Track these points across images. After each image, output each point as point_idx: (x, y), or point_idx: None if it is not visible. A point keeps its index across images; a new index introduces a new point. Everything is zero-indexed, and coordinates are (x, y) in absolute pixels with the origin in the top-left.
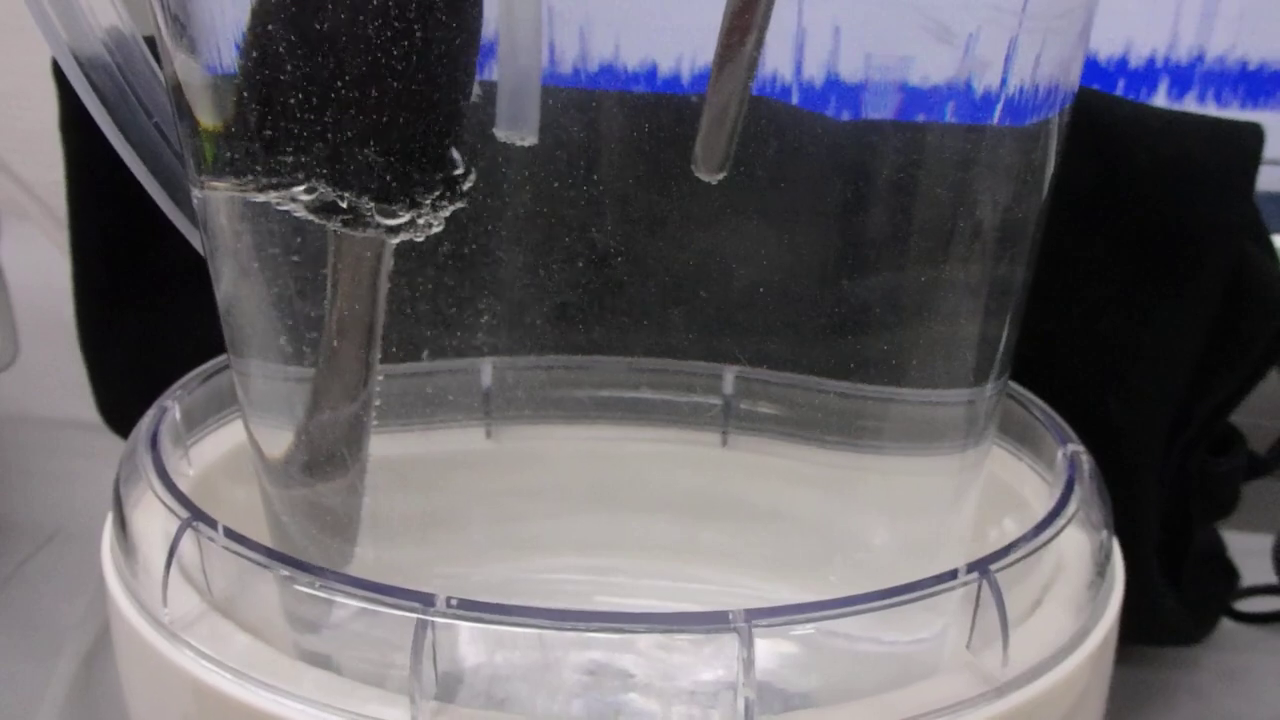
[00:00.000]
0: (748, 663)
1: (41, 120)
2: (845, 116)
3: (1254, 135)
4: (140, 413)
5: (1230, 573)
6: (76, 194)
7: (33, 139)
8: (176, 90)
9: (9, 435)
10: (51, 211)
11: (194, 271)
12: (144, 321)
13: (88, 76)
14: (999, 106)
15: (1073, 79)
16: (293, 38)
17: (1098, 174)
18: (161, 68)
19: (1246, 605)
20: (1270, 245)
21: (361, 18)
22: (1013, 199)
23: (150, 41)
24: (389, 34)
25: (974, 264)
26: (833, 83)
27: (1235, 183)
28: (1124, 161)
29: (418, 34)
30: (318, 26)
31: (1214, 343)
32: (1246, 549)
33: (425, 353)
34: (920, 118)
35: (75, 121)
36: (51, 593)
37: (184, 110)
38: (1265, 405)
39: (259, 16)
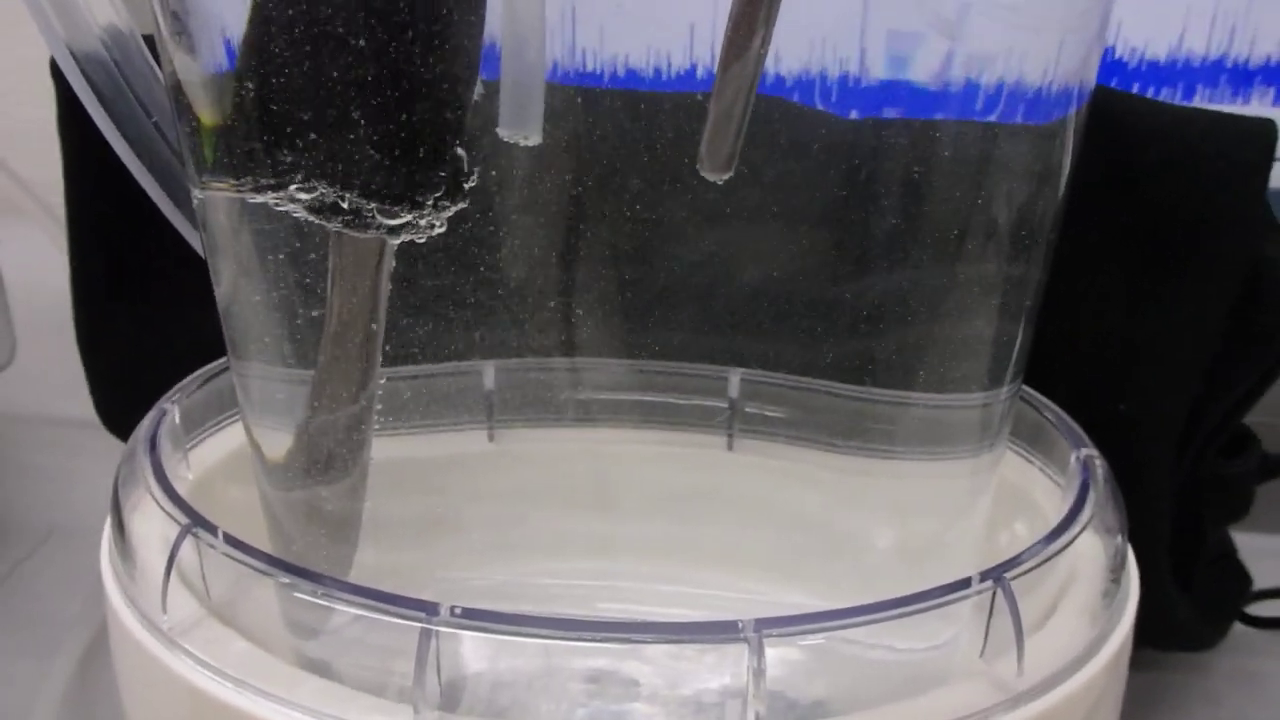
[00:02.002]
0: (758, 673)
1: (39, 117)
2: (854, 115)
3: (1268, 130)
4: (138, 414)
5: (1242, 576)
6: (74, 193)
7: (29, 136)
8: (176, 89)
9: (5, 433)
10: (50, 210)
11: (192, 271)
12: (141, 322)
13: (85, 74)
14: (1016, 104)
15: (1089, 77)
16: (292, 35)
17: (1110, 169)
18: (160, 66)
19: (1259, 609)
20: None
21: (361, 15)
22: (1029, 198)
23: (149, 40)
24: (389, 31)
25: (989, 264)
26: (843, 79)
27: (1250, 179)
28: (1137, 157)
29: (419, 31)
30: (317, 24)
31: (1229, 341)
32: (1259, 550)
33: (427, 355)
34: (936, 116)
35: (73, 119)
36: (49, 591)
37: (183, 109)
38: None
39: (258, 13)
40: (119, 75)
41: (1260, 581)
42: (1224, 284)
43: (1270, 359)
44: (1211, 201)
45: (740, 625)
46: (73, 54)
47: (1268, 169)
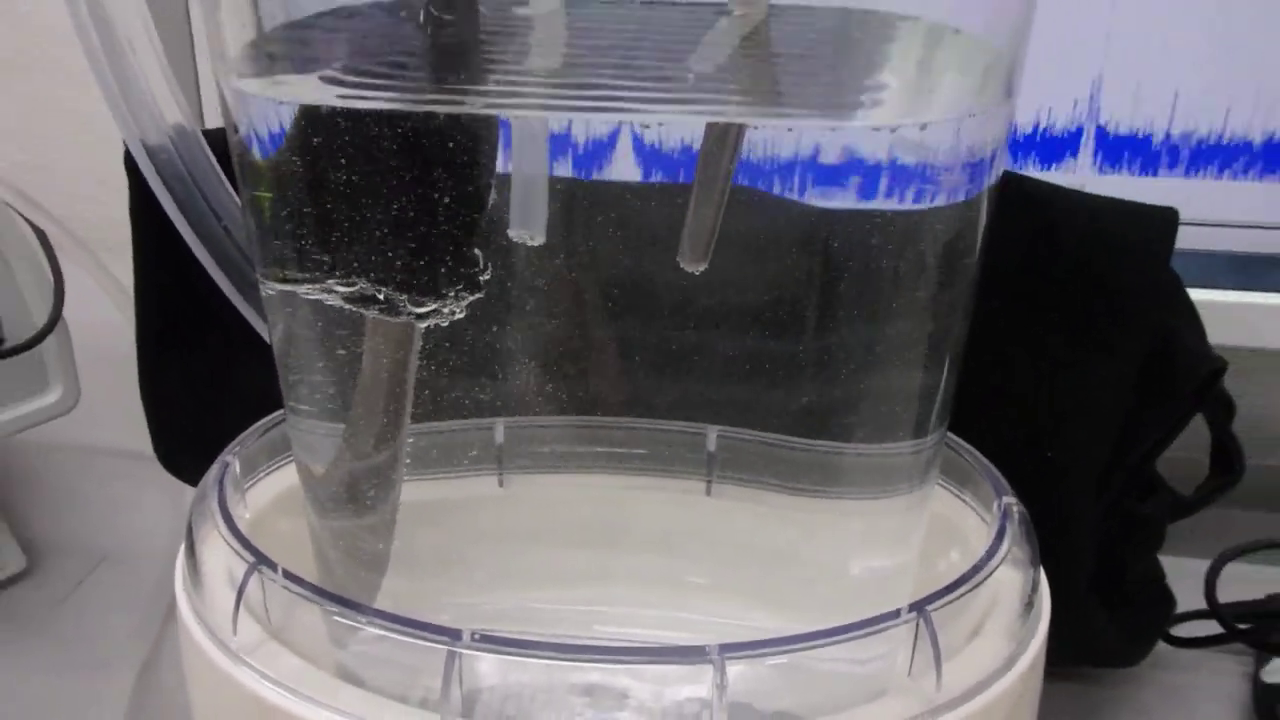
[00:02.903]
0: (721, 688)
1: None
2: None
3: (1171, 217)
4: (191, 453)
5: (1167, 599)
6: (141, 264)
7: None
8: (242, 195)
9: (64, 466)
10: (116, 280)
11: (239, 334)
12: (195, 375)
13: (155, 166)
14: (935, 189)
15: (998, 162)
16: (338, 163)
17: (1038, 251)
18: (231, 169)
19: (1184, 630)
20: (1190, 307)
21: (400, 155)
22: (948, 275)
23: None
24: (423, 165)
25: (916, 334)
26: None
27: (1156, 259)
28: (1062, 240)
29: (449, 164)
30: (363, 159)
31: (1141, 398)
32: (1183, 573)
33: (447, 413)
34: (873, 201)
35: (143, 205)
36: (105, 610)
37: (245, 211)
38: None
39: (309, 143)
40: (183, 168)
41: (1184, 603)
42: (1135, 349)
43: (1176, 414)
44: (1124, 279)
45: (707, 649)
46: (145, 147)
47: (1170, 251)
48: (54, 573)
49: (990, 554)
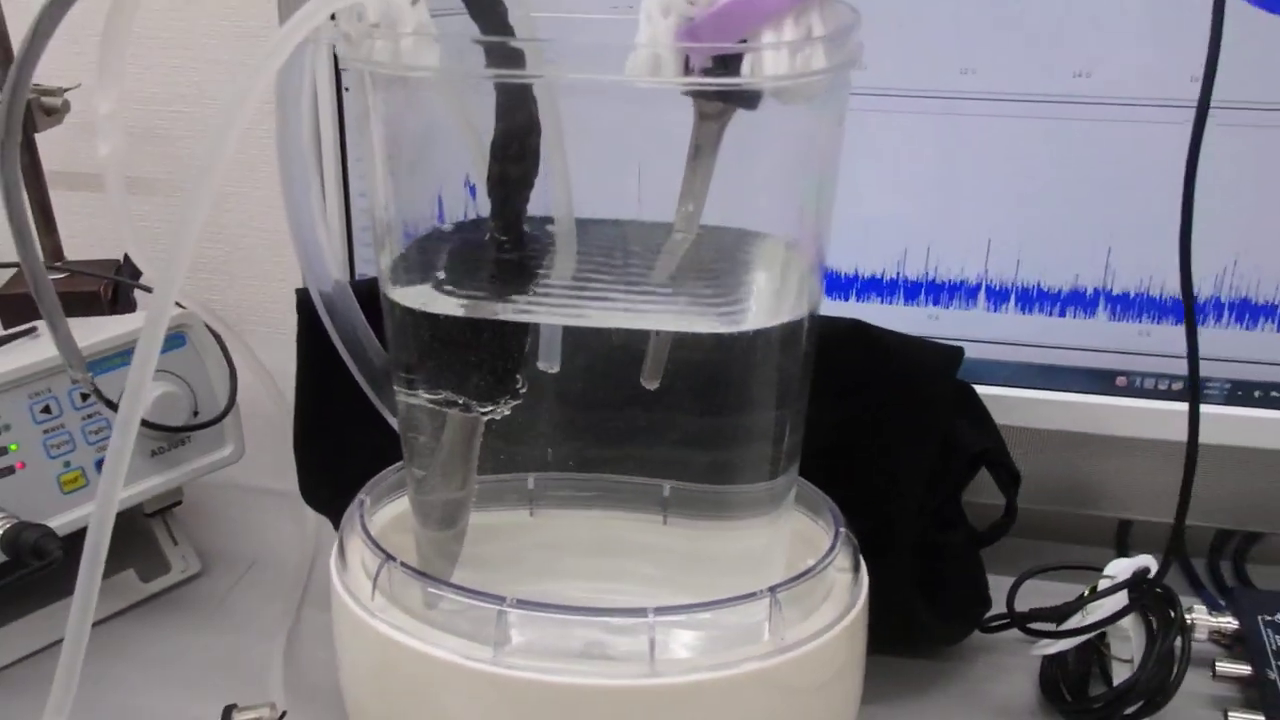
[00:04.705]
0: (653, 639)
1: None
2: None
3: (957, 352)
4: (328, 496)
5: (984, 600)
6: (303, 368)
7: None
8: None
9: (225, 497)
10: (269, 373)
11: (367, 410)
12: (332, 445)
13: (325, 303)
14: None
15: (816, 295)
16: (442, 325)
17: (871, 375)
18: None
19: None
20: (978, 405)
21: (473, 326)
22: (785, 374)
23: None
24: (486, 331)
25: (765, 416)
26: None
27: (946, 380)
28: (884, 367)
29: (501, 328)
30: (447, 331)
31: (937, 466)
32: (1003, 585)
33: (498, 469)
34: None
35: (308, 333)
36: (258, 599)
37: (388, 344)
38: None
39: (416, 317)
40: (341, 308)
41: (999, 606)
42: (933, 437)
43: (955, 479)
44: (928, 390)
45: (647, 610)
46: (320, 293)
47: (956, 371)
48: (220, 574)
49: (823, 560)
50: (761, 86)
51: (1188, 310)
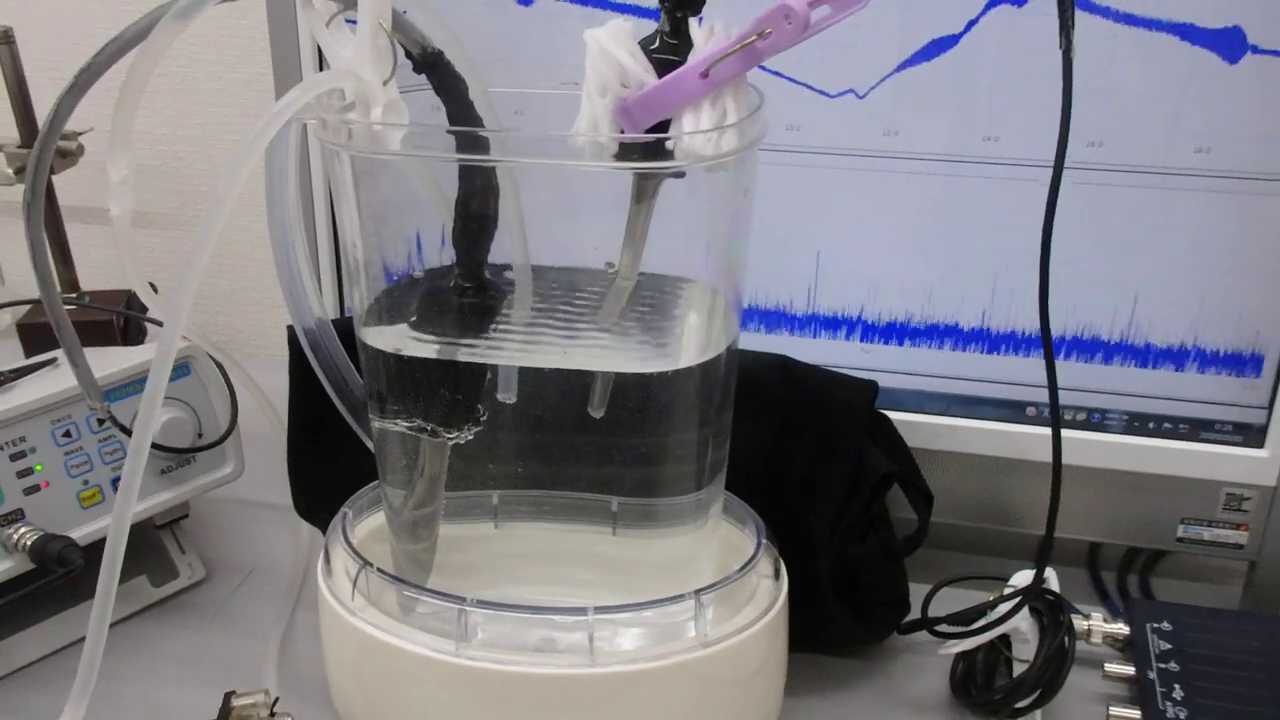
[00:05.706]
0: (592, 635)
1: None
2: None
3: (872, 386)
4: (320, 510)
5: (904, 604)
6: (295, 394)
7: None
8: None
9: (227, 511)
10: (267, 398)
11: (349, 440)
12: (322, 464)
13: (309, 338)
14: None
15: (734, 330)
16: (410, 367)
17: (796, 405)
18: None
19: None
20: (892, 432)
21: (440, 365)
22: (707, 400)
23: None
24: (450, 371)
25: (692, 435)
26: None
27: (861, 407)
28: (807, 399)
29: (464, 373)
30: (419, 366)
31: (850, 485)
32: (922, 592)
33: (464, 486)
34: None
35: (297, 365)
36: (256, 603)
37: (365, 373)
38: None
39: (385, 358)
40: (324, 343)
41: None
42: (851, 456)
43: (867, 497)
44: (845, 417)
45: (587, 609)
46: (303, 329)
47: (873, 401)
48: (222, 579)
49: (745, 566)
50: (684, 168)
51: (1046, 353)
